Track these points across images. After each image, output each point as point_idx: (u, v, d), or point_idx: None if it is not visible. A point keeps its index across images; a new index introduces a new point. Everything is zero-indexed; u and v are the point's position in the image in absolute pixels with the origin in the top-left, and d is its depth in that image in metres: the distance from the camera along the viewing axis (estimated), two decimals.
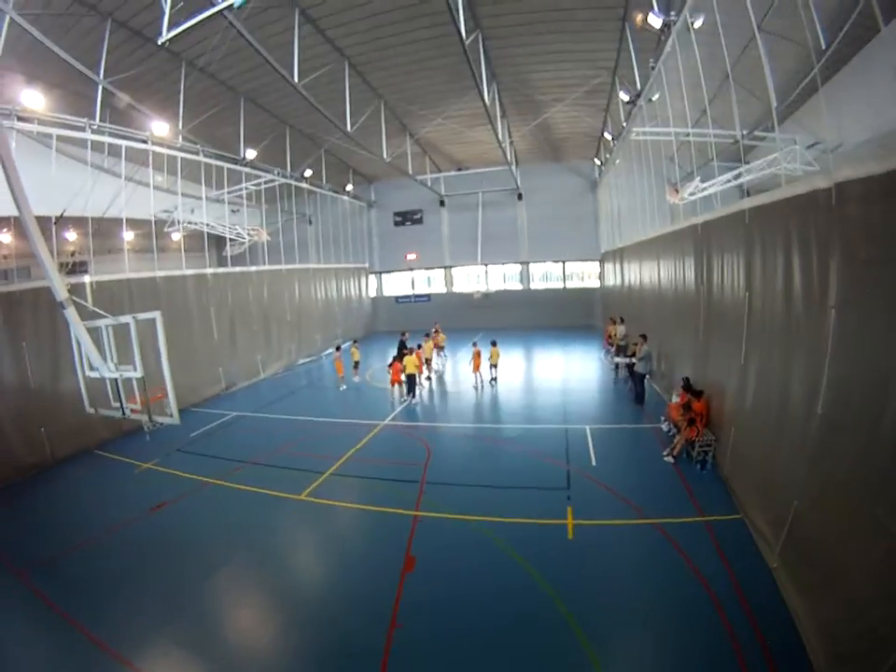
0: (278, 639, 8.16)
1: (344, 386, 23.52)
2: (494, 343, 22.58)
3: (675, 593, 8.23)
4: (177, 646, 7.97)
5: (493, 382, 22.53)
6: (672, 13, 13.38)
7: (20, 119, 16.18)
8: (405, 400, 20.24)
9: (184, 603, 9.02)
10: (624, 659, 7.41)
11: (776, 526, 8.33)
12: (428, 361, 23.41)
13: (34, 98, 16.28)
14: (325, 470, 14.01)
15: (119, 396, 9.44)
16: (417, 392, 21.06)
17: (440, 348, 26.55)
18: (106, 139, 19.12)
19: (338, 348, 25.12)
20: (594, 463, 13.54)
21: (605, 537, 10.08)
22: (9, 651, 8.24)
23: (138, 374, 8.84)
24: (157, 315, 8.78)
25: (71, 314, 8.49)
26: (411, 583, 8.98)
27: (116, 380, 9.28)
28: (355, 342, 25.47)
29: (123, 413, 9.56)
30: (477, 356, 22.01)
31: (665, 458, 13.10)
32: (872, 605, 5.62)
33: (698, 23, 12.77)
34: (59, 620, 8.65)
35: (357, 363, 24.25)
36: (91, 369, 9.28)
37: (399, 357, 22.31)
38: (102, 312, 9.38)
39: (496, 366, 22.57)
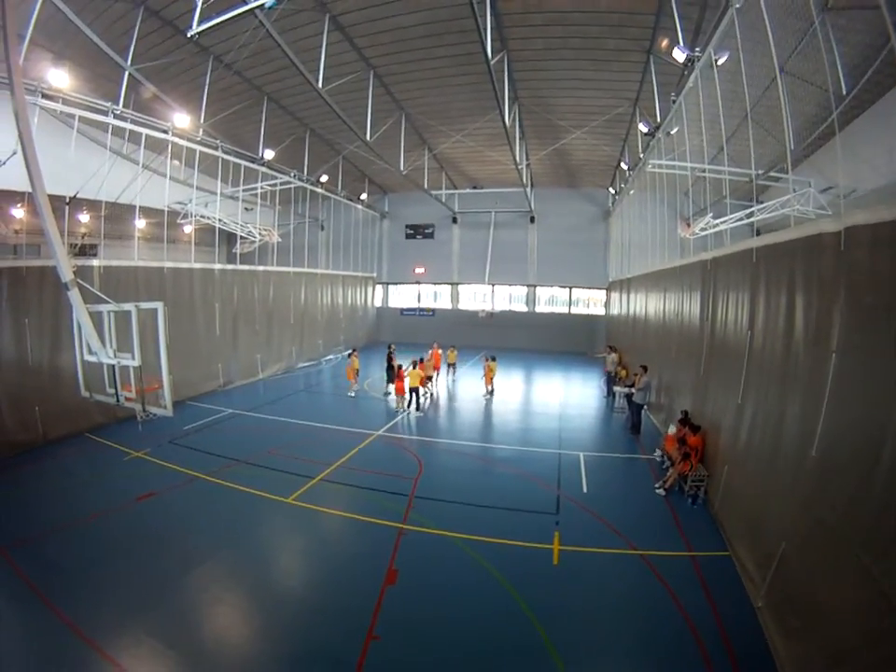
0: (251, 641, 8.08)
1: (352, 393, 23.41)
2: (492, 359, 23.65)
3: (657, 626, 8.16)
4: (148, 636, 7.91)
5: (489, 395, 23.33)
6: (697, 49, 13.50)
7: (44, 96, 16.28)
8: (405, 411, 20.25)
9: (160, 595, 8.95)
10: None
11: (762, 566, 8.28)
12: (429, 379, 22.93)
13: (60, 77, 16.40)
14: (315, 475, 13.98)
15: (115, 383, 9.39)
16: (422, 402, 21.03)
17: (450, 365, 27.46)
18: (128, 125, 19.22)
19: (352, 353, 24.92)
20: (585, 490, 13.49)
21: (590, 564, 10.01)
22: None
23: (136, 363, 8.79)
24: (159, 305, 8.72)
25: (75, 296, 8.46)
26: (391, 596, 8.91)
27: (113, 366, 9.24)
28: (354, 350, 25.27)
29: (117, 400, 9.52)
30: (489, 369, 23.23)
31: (657, 490, 13.03)
32: (853, 651, 5.58)
33: (722, 60, 12.88)
34: (33, 598, 8.64)
35: (356, 371, 23.80)
36: (90, 353, 9.22)
37: (389, 368, 23.19)
38: (105, 297, 9.37)
39: (492, 380, 23.48)
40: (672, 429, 14.37)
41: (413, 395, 20.34)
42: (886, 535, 5.39)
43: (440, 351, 25.74)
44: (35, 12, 13.93)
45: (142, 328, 8.86)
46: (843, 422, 6.59)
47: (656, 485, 13.24)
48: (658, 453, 15.28)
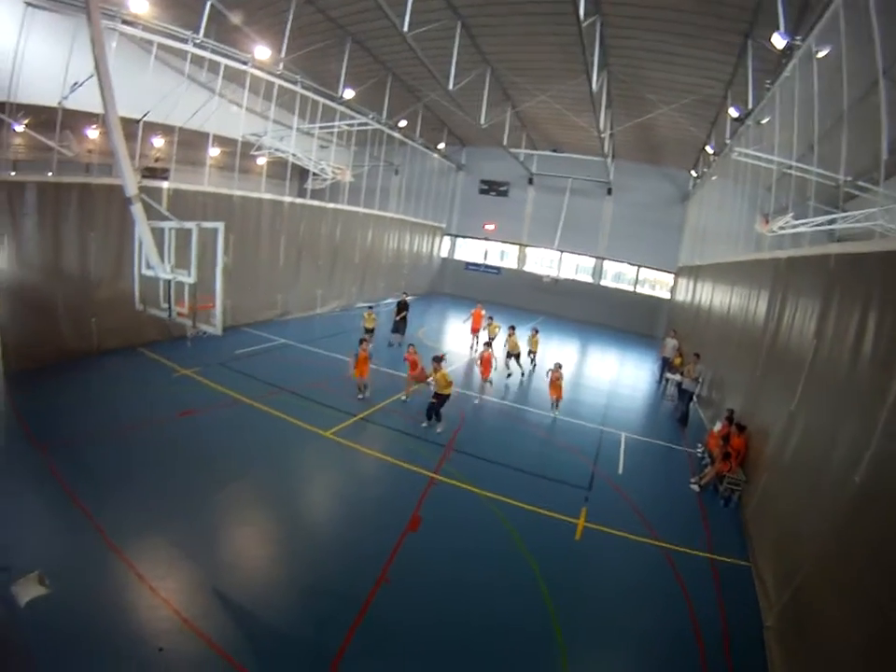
0: (265, 564, 8.42)
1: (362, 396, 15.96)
2: (535, 331, 22.15)
3: (663, 622, 8.11)
4: (168, 545, 8.27)
5: (532, 366, 22.05)
6: (798, 37, 12.64)
7: (124, 22, 16.47)
8: (425, 425, 14.35)
9: (186, 508, 9.33)
10: None
11: (780, 586, 8.03)
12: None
13: (140, 4, 16.54)
14: (356, 413, 14.30)
15: (170, 298, 9.55)
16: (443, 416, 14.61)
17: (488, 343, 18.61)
18: (207, 54, 19.24)
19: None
20: (620, 471, 13.44)
21: (611, 546, 9.98)
22: (14, 514, 8.59)
23: (191, 280, 8.92)
24: (220, 225, 8.77)
25: (138, 210, 8.54)
26: (410, 542, 9.09)
27: (169, 282, 9.39)
28: (370, 307, 22.29)
29: (170, 315, 9.68)
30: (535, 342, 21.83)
31: (692, 485, 12.83)
32: None
33: (822, 53, 11.97)
34: (65, 497, 9.04)
35: (371, 330, 20.53)
36: (148, 268, 9.39)
37: (399, 313, 22.37)
38: (168, 214, 9.52)
39: (534, 353, 22.02)
40: (717, 426, 14.00)
41: (437, 405, 14.27)
42: None
43: (483, 312, 24.50)
44: None
45: (202, 248, 8.97)
46: (893, 453, 6.21)
47: (692, 480, 13.02)
48: (700, 448, 14.96)
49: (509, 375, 20.24)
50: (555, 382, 16.46)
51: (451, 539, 9.49)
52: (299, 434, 12.78)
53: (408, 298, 23.84)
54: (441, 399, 14.10)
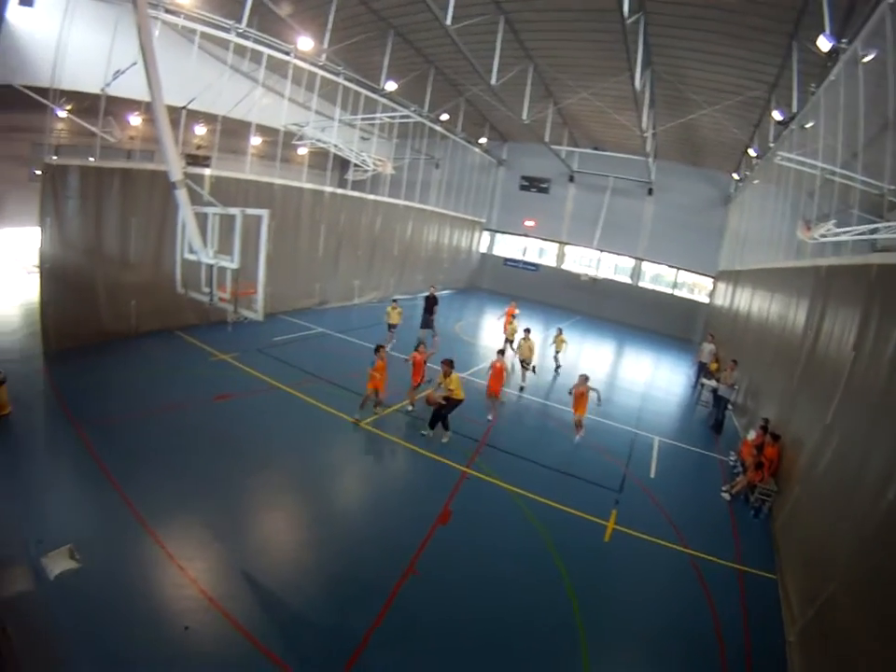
0: (293, 550, 8.56)
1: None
2: (560, 331, 21.00)
3: (686, 630, 8.05)
4: (199, 526, 8.50)
5: (556, 368, 21.19)
6: (844, 40, 12.28)
7: (167, 11, 16.78)
8: (426, 434, 13.21)
9: (218, 491, 9.55)
10: None
11: (806, 601, 7.87)
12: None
13: None
14: (391, 405, 14.37)
15: (212, 283, 9.69)
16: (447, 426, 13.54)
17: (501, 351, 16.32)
18: (249, 44, 19.47)
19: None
20: (652, 475, 13.35)
21: (639, 550, 9.93)
22: (50, 490, 8.91)
23: (234, 265, 9.02)
24: (265, 212, 8.88)
25: (182, 195, 8.69)
26: (440, 535, 9.20)
27: (211, 267, 9.50)
28: (394, 300, 21.18)
29: (211, 300, 9.80)
30: (560, 341, 20.66)
31: (723, 494, 12.66)
32: None
33: (868, 58, 11.55)
34: (100, 475, 9.30)
35: (393, 326, 20.10)
36: (190, 252, 9.51)
37: (428, 311, 21.35)
38: (213, 200, 9.64)
39: (559, 353, 21.00)
40: (751, 435, 13.79)
41: (445, 411, 13.21)
42: None
43: (517, 311, 24.04)
44: None
45: (243, 234, 9.06)
46: None
47: (723, 488, 12.85)
48: (733, 456, 14.71)
49: (521, 388, 18.23)
50: (580, 398, 14.33)
51: (480, 533, 9.55)
52: (333, 422, 12.95)
53: (437, 292, 22.97)
54: (450, 403, 13.03)
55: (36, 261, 15.29)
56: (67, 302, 14.86)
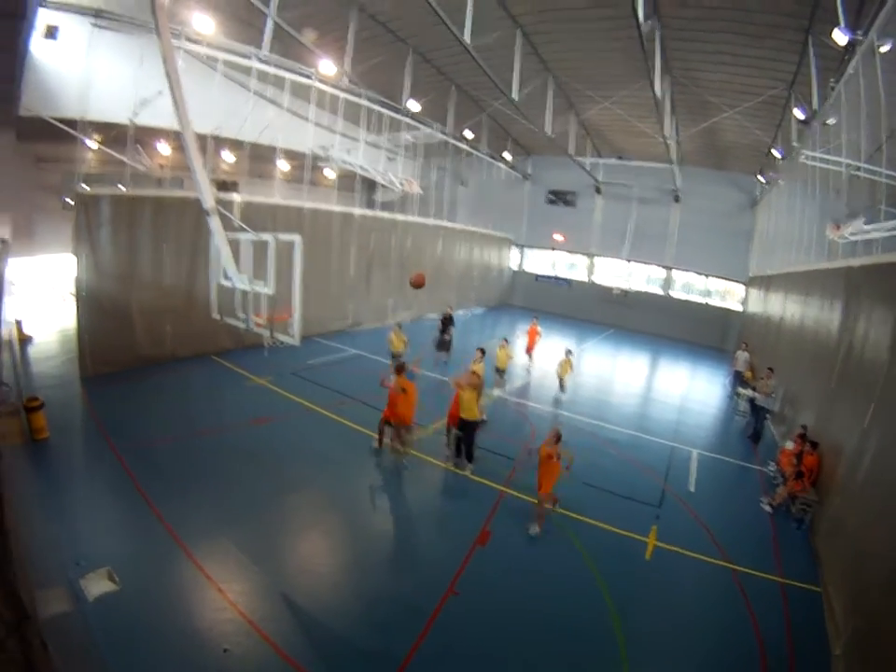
0: (333, 572, 8.60)
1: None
2: (569, 352, 18.91)
3: (729, 646, 7.91)
4: (238, 549, 8.57)
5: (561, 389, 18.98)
6: (859, 32, 12.06)
7: (189, 40, 17.09)
8: (449, 459, 12.64)
9: (256, 513, 9.66)
10: None
11: (850, 613, 7.63)
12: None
13: (204, 22, 17.13)
14: (426, 425, 14.26)
15: (247, 308, 9.82)
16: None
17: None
18: (271, 69, 19.78)
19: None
20: (691, 489, 13.08)
21: (680, 567, 9.75)
22: (89, 512, 9.12)
23: (270, 291, 9.15)
24: (297, 238, 8.97)
25: (215, 222, 8.86)
26: (479, 556, 9.15)
27: (246, 293, 9.65)
28: (398, 325, 19.52)
29: (247, 325, 9.94)
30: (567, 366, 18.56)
31: (763, 505, 12.39)
32: None
33: (885, 48, 11.37)
34: (138, 497, 9.54)
35: (397, 355, 17.98)
36: (225, 278, 9.71)
37: (444, 331, 20.73)
38: (245, 227, 9.80)
39: (563, 379, 18.81)
40: (790, 444, 13.50)
41: (466, 436, 12.15)
42: None
43: (539, 329, 22.65)
44: None
45: (277, 259, 9.19)
46: None
47: (763, 500, 12.56)
48: (772, 466, 14.38)
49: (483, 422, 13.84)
50: (547, 465, 10.18)
51: (518, 553, 9.47)
52: (367, 443, 12.93)
53: (453, 311, 22.23)
54: (469, 428, 11.96)
55: (72, 288, 15.77)
56: (103, 328, 15.32)
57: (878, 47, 11.46)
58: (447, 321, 21.43)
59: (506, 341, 18.27)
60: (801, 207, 20.04)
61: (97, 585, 7.17)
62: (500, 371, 18.18)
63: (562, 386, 19.06)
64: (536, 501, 10.31)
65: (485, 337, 25.24)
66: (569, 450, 10.35)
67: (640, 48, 16.06)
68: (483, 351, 15.33)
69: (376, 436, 12.71)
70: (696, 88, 22.36)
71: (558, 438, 10.20)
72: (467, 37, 16.38)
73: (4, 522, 2.91)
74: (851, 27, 12.27)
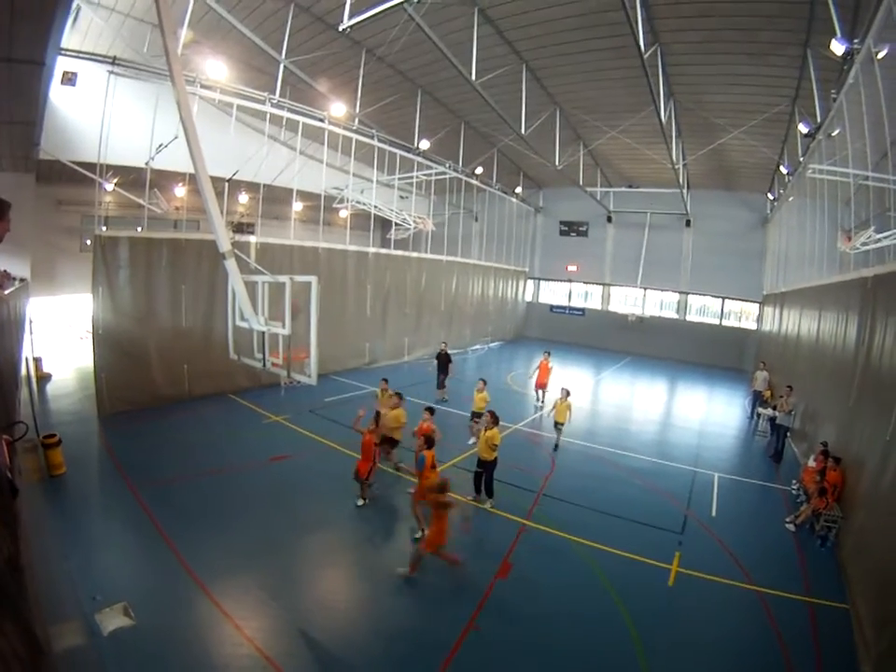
0: (351, 609, 8.49)
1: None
2: (566, 393, 16.07)
3: (757, 669, 7.72)
4: (256, 585, 8.57)
5: (555, 445, 16.40)
6: (856, 41, 12.21)
7: (203, 86, 17.65)
8: (474, 498, 12.35)
9: (274, 551, 9.65)
10: None
11: (879, 629, 7.46)
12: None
13: (217, 69, 17.76)
14: (446, 461, 14.07)
15: (264, 349, 9.92)
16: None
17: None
18: (284, 113, 20.34)
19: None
20: (713, 513, 12.85)
21: (705, 592, 9.54)
22: (106, 548, 9.25)
23: (286, 332, 9.18)
24: (313, 279, 8.99)
25: (231, 265, 8.98)
26: (500, 589, 9.03)
27: (263, 333, 9.74)
28: (384, 380, 15.67)
29: (264, 365, 10.01)
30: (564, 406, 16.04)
31: (787, 525, 12.16)
32: None
33: (882, 54, 11.50)
34: (155, 534, 9.60)
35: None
36: (242, 319, 9.80)
37: (443, 370, 20.35)
38: (261, 269, 9.90)
39: (561, 425, 16.19)
40: (811, 461, 13.35)
41: (484, 472, 12.09)
42: None
43: (550, 365, 21.30)
44: (189, 10, 15.25)
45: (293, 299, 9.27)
46: None
47: (787, 519, 12.33)
48: (795, 485, 14.19)
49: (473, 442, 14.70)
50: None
51: (540, 586, 9.33)
52: (384, 478, 12.92)
53: (448, 350, 21.53)
54: (487, 466, 11.94)
55: (90, 328, 16.17)
56: (120, 367, 15.68)
57: (875, 53, 11.61)
58: (444, 359, 20.91)
59: (483, 382, 16.31)
60: (811, 221, 20.05)
61: (113, 620, 7.22)
62: (476, 415, 15.53)
63: (557, 438, 16.44)
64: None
65: (503, 371, 25.17)
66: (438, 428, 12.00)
67: (644, 75, 16.36)
68: (484, 381, 16.09)
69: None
70: (700, 111, 22.67)
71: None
72: (473, 75, 16.78)
73: (20, 559, 2.99)
74: (848, 37, 12.46)
